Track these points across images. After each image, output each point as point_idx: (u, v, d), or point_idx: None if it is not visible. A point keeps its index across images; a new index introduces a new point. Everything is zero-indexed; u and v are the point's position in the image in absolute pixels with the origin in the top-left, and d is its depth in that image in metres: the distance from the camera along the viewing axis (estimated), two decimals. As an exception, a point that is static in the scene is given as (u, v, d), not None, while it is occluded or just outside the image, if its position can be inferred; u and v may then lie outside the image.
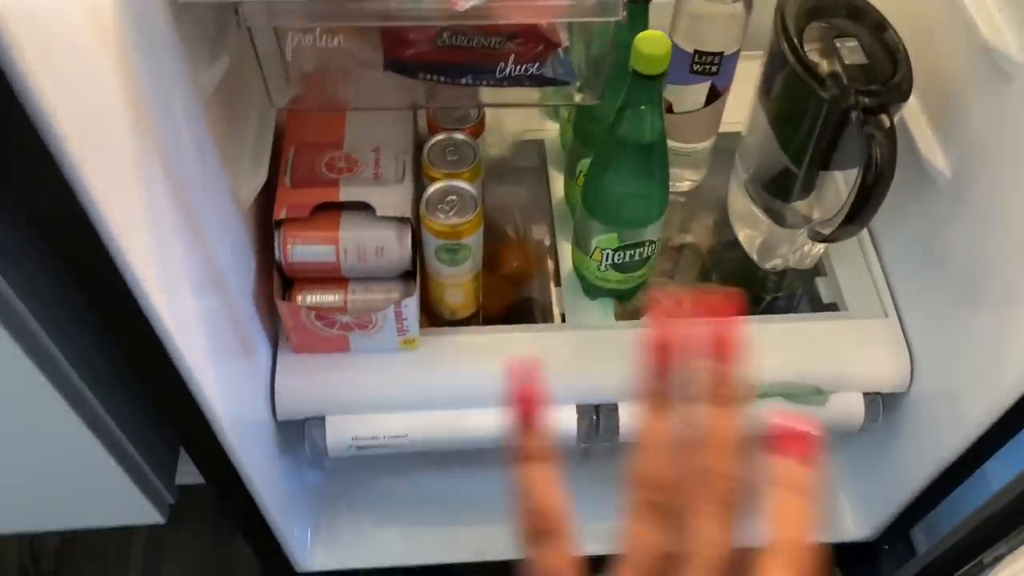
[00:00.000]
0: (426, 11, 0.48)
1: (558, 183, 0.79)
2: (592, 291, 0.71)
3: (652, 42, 0.53)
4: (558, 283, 0.75)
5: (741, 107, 0.71)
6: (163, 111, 0.47)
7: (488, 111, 0.81)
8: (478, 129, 0.68)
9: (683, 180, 0.79)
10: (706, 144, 0.76)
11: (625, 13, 0.49)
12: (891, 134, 0.57)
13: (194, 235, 0.51)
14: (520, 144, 0.83)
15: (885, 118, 0.57)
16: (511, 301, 0.84)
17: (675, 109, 0.72)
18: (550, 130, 0.83)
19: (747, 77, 0.69)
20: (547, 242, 0.83)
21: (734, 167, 0.75)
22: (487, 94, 0.60)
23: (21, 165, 0.37)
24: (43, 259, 0.67)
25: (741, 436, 0.30)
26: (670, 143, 0.74)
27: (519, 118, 0.83)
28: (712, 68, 0.67)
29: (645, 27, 0.58)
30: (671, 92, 0.71)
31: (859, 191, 0.58)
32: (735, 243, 0.78)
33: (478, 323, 0.74)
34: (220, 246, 0.57)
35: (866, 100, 0.58)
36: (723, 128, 0.77)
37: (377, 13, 0.48)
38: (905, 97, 0.59)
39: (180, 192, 0.49)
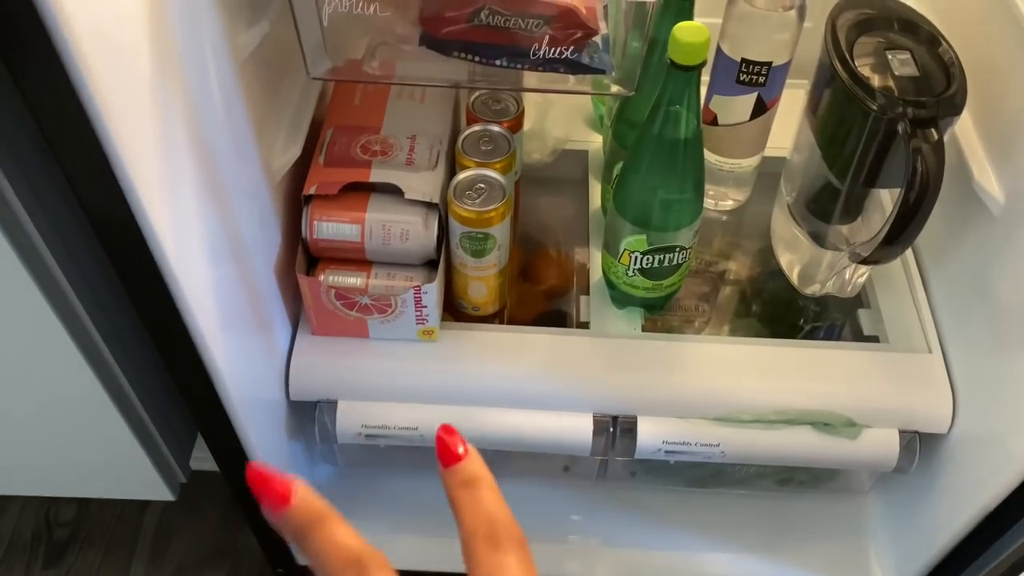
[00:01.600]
0: (462, -19, 0.48)
1: (597, 193, 0.78)
2: (620, 299, 0.69)
3: (690, 31, 0.51)
4: (586, 291, 0.73)
5: (789, 132, 0.70)
6: (195, 68, 0.47)
7: (533, 116, 0.81)
8: (517, 123, 0.68)
9: (726, 199, 0.77)
10: (751, 161, 0.74)
11: (661, 1, 0.48)
12: (939, 148, 0.55)
13: (217, 200, 0.52)
14: (563, 153, 0.83)
15: (933, 132, 0.55)
16: (540, 312, 0.82)
17: (720, 121, 0.70)
18: (594, 141, 0.82)
19: (794, 103, 0.68)
20: (582, 256, 0.82)
21: (779, 190, 0.73)
22: (524, 78, 0.59)
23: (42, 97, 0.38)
24: (71, 211, 0.69)
25: None
26: (714, 158, 0.73)
27: (564, 125, 0.82)
28: (760, 79, 0.66)
29: (689, 24, 0.57)
30: (716, 104, 0.70)
31: (901, 207, 0.56)
32: (777, 272, 0.75)
33: (502, 323, 0.72)
34: (245, 215, 0.57)
35: (915, 111, 0.55)
36: (771, 153, 0.75)
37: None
38: (958, 111, 0.56)
39: (206, 153, 0.50)
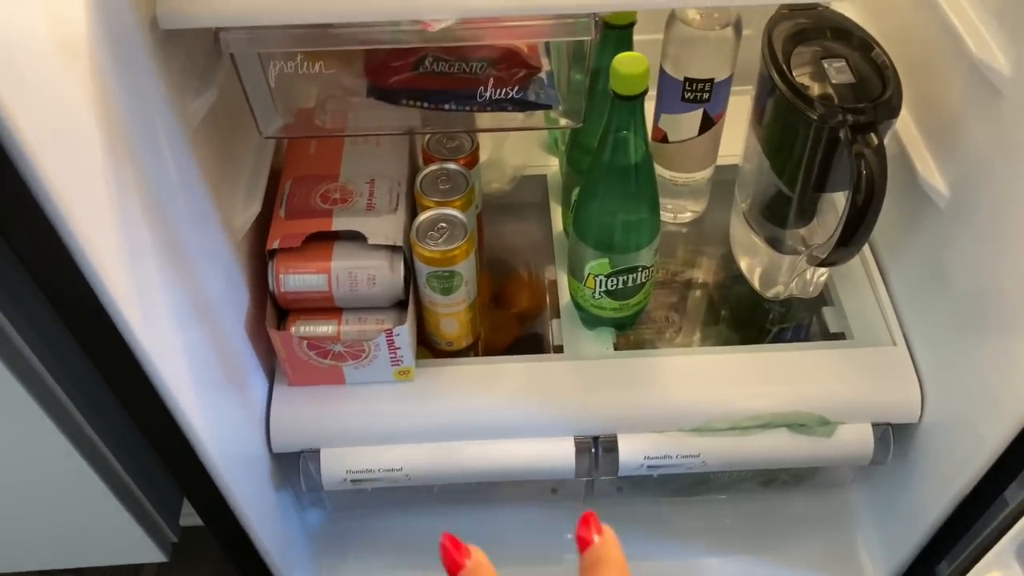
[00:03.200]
0: (402, 34, 0.49)
1: (559, 216, 0.80)
2: (590, 321, 0.70)
3: (629, 62, 0.53)
4: (556, 315, 0.74)
5: (739, 139, 0.71)
6: (145, 139, 0.48)
7: (489, 147, 0.82)
8: (472, 159, 0.69)
9: (684, 211, 0.79)
10: (704, 174, 0.75)
11: (598, 34, 0.49)
12: (881, 152, 0.56)
13: (179, 265, 0.52)
14: (522, 180, 0.84)
15: (873, 136, 0.56)
16: (516, 337, 0.83)
17: (670, 139, 0.72)
18: (552, 165, 0.84)
19: (743, 109, 0.69)
20: (550, 278, 0.83)
21: (734, 198, 0.75)
22: (476, 119, 0.60)
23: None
24: (35, 292, 0.69)
25: None
26: (668, 173, 0.74)
27: (521, 153, 0.83)
28: (703, 95, 0.67)
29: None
30: (665, 122, 0.71)
31: (850, 211, 0.57)
32: (741, 276, 0.77)
33: (476, 354, 0.73)
34: (209, 277, 0.58)
35: (854, 118, 0.57)
36: (723, 160, 0.77)
37: (354, 38, 0.49)
38: (895, 114, 0.58)
39: (163, 221, 0.50)
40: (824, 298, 0.75)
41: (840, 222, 0.59)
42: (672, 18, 0.65)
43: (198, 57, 0.55)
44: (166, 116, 0.51)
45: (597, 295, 0.66)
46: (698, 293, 0.81)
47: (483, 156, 0.80)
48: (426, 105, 0.56)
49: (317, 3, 0.47)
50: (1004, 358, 0.58)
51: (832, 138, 0.58)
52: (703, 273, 0.82)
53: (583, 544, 0.31)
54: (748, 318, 0.78)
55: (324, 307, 0.65)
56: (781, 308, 0.76)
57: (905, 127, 0.66)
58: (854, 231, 0.59)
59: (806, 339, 0.75)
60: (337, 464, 0.68)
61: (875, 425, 0.68)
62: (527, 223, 0.86)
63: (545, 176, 0.84)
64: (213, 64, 0.56)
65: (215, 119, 0.58)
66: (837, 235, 0.59)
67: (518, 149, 0.83)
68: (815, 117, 0.58)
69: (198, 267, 0.55)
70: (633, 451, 0.67)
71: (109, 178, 0.44)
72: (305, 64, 0.52)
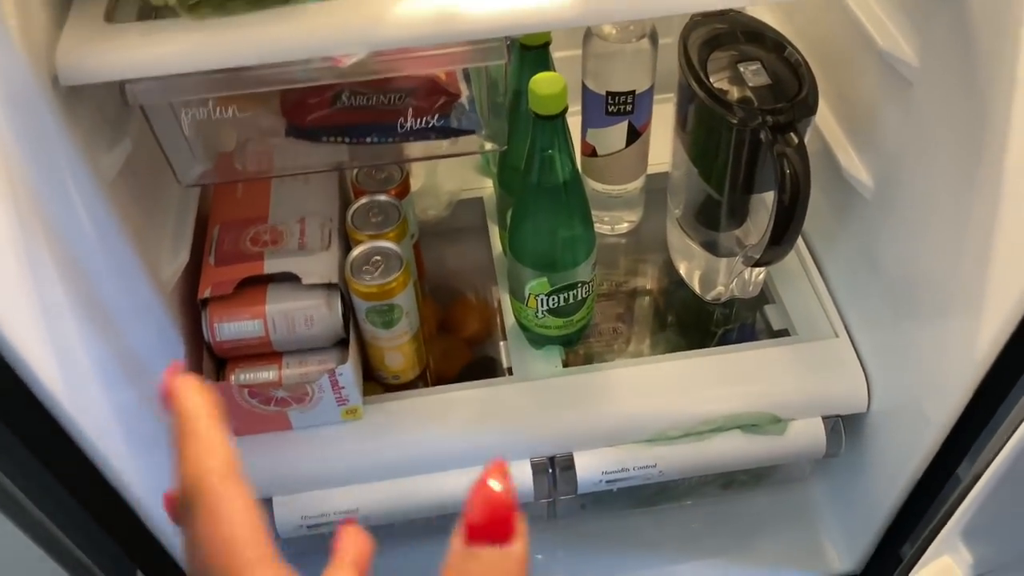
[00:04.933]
0: (314, 72, 0.49)
1: (497, 237, 0.79)
2: (536, 340, 0.70)
3: (546, 83, 0.53)
4: (503, 337, 0.74)
5: (667, 147, 0.72)
6: (54, 197, 0.47)
7: (422, 174, 0.82)
8: (403, 189, 0.68)
9: (621, 222, 0.79)
10: (636, 184, 0.76)
11: (511, 57, 0.49)
12: (802, 150, 0.57)
13: (102, 323, 0.50)
14: (458, 204, 0.83)
15: (793, 135, 0.57)
16: (468, 361, 0.82)
17: (599, 152, 0.72)
18: (487, 187, 0.83)
19: (668, 117, 0.70)
20: (498, 298, 0.83)
21: (667, 205, 0.75)
22: (404, 149, 0.60)
23: None
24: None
25: None
26: (601, 186, 0.75)
27: (455, 178, 0.83)
28: (626, 107, 0.68)
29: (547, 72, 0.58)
30: (592, 136, 0.71)
31: (778, 211, 0.58)
32: (683, 281, 0.77)
33: (426, 384, 0.72)
34: (139, 332, 0.56)
35: (773, 118, 0.58)
36: (654, 169, 0.77)
37: (265, 79, 0.48)
38: (812, 111, 0.59)
39: (81, 279, 0.49)
40: (765, 296, 0.76)
41: (769, 222, 0.59)
42: (589, 34, 0.66)
43: (108, 109, 0.54)
44: (77, 172, 0.50)
45: (540, 314, 0.66)
46: (643, 302, 0.81)
47: (416, 184, 0.80)
48: (348, 140, 0.55)
49: (221, 49, 0.46)
50: (940, 340, 0.59)
51: (754, 140, 0.59)
52: (646, 281, 0.82)
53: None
54: (693, 322, 0.78)
55: (263, 352, 0.63)
56: (724, 310, 0.77)
57: (826, 123, 0.67)
58: (784, 230, 0.59)
59: (752, 338, 0.76)
60: (291, 512, 0.66)
61: (825, 418, 0.68)
62: (467, 246, 0.85)
63: (481, 199, 0.84)
64: (124, 115, 0.55)
65: (133, 169, 0.56)
66: (768, 235, 0.59)
67: (452, 174, 0.83)
68: (735, 121, 0.59)
69: (125, 323, 0.54)
70: (590, 468, 0.66)
71: (15, 240, 0.42)
72: (218, 109, 0.51)
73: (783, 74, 0.61)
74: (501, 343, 0.76)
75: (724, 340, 0.76)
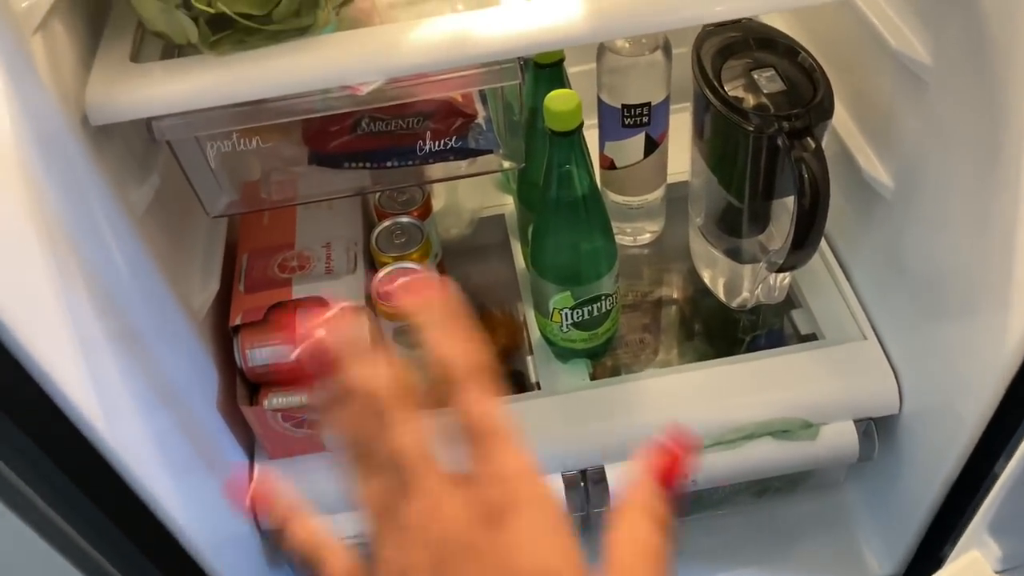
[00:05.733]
0: (333, 101, 0.50)
1: (520, 253, 0.80)
2: (563, 354, 0.70)
3: (560, 99, 0.54)
4: (530, 352, 0.74)
5: (686, 155, 0.72)
6: (87, 234, 0.48)
7: (444, 194, 0.83)
8: (425, 210, 0.69)
9: (643, 233, 0.79)
10: (657, 194, 0.76)
11: (524, 77, 0.50)
12: (819, 154, 0.57)
13: (138, 353, 0.52)
14: (480, 222, 0.84)
15: (810, 140, 0.57)
16: (498, 377, 0.83)
17: (617, 164, 0.72)
18: (508, 203, 0.84)
19: (686, 125, 0.70)
20: (524, 313, 0.83)
21: (689, 213, 0.75)
22: (424, 171, 0.61)
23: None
24: None
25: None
26: (622, 198, 0.75)
27: (475, 196, 0.84)
28: (643, 119, 0.68)
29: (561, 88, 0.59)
30: (611, 149, 0.72)
31: (799, 215, 0.58)
32: (708, 289, 0.77)
33: (455, 403, 0.73)
34: (172, 361, 0.57)
35: (789, 124, 0.58)
36: (674, 178, 0.77)
37: (286, 110, 0.50)
38: (828, 115, 0.59)
39: (116, 312, 0.50)
40: (792, 301, 0.76)
41: (790, 227, 0.59)
42: (602, 49, 0.67)
43: (135, 145, 0.55)
44: (108, 208, 0.51)
45: (565, 328, 0.66)
46: (669, 311, 0.81)
47: (438, 203, 0.81)
48: (369, 165, 0.56)
49: (242, 83, 0.48)
50: (968, 337, 0.59)
51: (771, 146, 0.59)
52: (671, 291, 0.82)
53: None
54: (720, 330, 0.78)
55: (296, 376, 0.64)
56: (751, 316, 0.77)
57: (844, 126, 0.67)
58: (805, 234, 0.59)
59: (780, 344, 0.75)
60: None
61: (857, 421, 0.68)
62: (491, 263, 0.86)
63: (503, 215, 0.84)
64: (152, 150, 0.57)
65: (162, 203, 0.58)
66: (790, 240, 0.59)
67: (472, 192, 0.84)
68: (751, 128, 0.59)
69: (159, 352, 0.55)
70: (623, 480, 0.66)
71: (52, 278, 0.43)
72: (242, 141, 0.52)
73: (797, 79, 0.61)
74: (528, 358, 0.76)
75: (752, 347, 0.76)
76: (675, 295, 0.83)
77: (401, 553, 0.29)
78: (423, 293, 0.31)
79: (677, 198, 0.78)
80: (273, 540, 0.70)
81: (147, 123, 0.49)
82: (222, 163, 0.54)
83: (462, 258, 0.84)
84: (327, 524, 0.36)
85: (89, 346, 0.47)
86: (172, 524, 0.53)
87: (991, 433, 0.59)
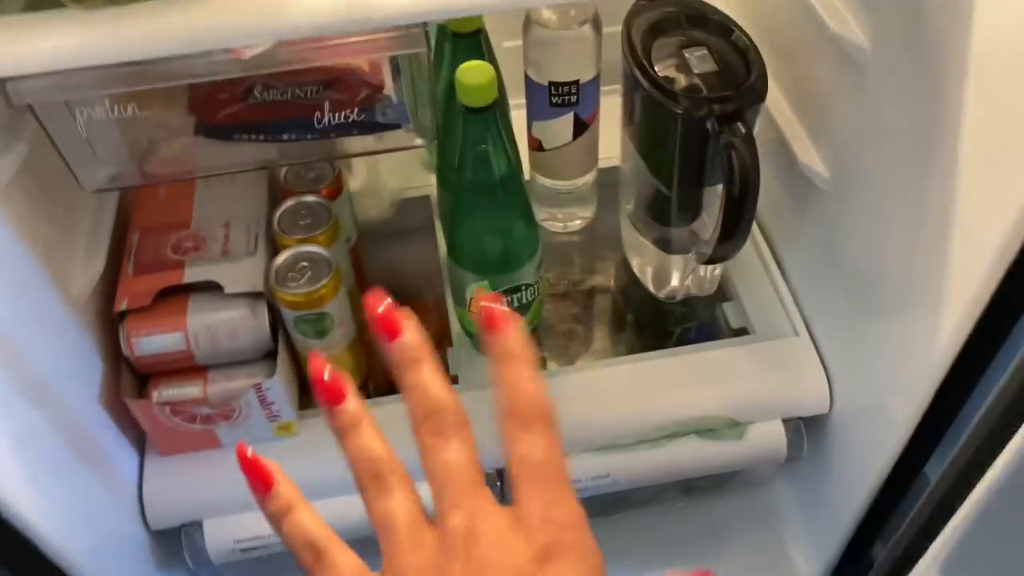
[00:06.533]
0: (217, 65, 0.45)
1: (443, 238, 0.76)
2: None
3: (471, 72, 0.49)
4: (450, 343, 0.70)
5: (615, 141, 0.68)
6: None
7: (364, 173, 0.78)
8: (336, 188, 0.64)
9: (574, 219, 0.76)
10: (587, 179, 0.72)
11: (430, 45, 0.45)
12: (750, 140, 0.54)
13: (-2, 343, 0.46)
14: (403, 203, 0.80)
15: (740, 125, 0.54)
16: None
17: (545, 146, 0.68)
18: (433, 184, 0.80)
19: (618, 108, 0.67)
20: (444, 303, 0.79)
21: (620, 199, 0.72)
22: (332, 146, 0.56)
23: None
24: None
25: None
26: (550, 182, 0.71)
27: (399, 176, 0.79)
28: (571, 98, 0.64)
29: (480, 61, 0.55)
30: (538, 129, 0.68)
31: (727, 204, 0.55)
32: (639, 279, 0.74)
33: (367, 396, 0.68)
34: (46, 350, 0.52)
35: (720, 107, 0.55)
36: (607, 163, 0.74)
37: (162, 74, 0.44)
38: (760, 98, 0.56)
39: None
40: (724, 293, 0.73)
41: (718, 218, 0.56)
42: (528, 21, 0.62)
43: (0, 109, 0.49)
44: (-40, 180, 0.46)
45: (483, 319, 0.62)
46: (599, 301, 0.78)
47: (357, 182, 0.76)
48: (262, 138, 0.51)
49: (112, 42, 0.42)
50: (902, 336, 0.56)
51: (701, 130, 0.56)
52: (602, 280, 0.79)
53: (491, 328, 0.32)
54: (651, 322, 0.75)
55: (187, 367, 0.59)
56: (682, 308, 0.74)
57: (781, 112, 0.64)
58: (735, 224, 0.56)
59: (712, 337, 0.73)
60: (223, 535, 0.62)
61: (786, 421, 0.65)
62: (413, 248, 0.82)
63: (428, 197, 0.80)
64: (18, 115, 0.51)
65: (35, 173, 0.52)
66: (718, 230, 0.56)
67: (395, 171, 0.79)
68: (680, 111, 0.55)
69: (25, 343, 0.49)
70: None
71: None
72: (116, 108, 0.47)
73: (731, 60, 0.58)
74: (448, 349, 0.72)
75: (682, 340, 0.73)
76: (606, 285, 0.79)
77: (433, 563, 0.30)
78: (502, 326, 0.32)
79: (609, 184, 0.75)
80: (164, 540, 0.65)
81: (0, 85, 0.44)
82: (96, 131, 0.49)
83: (382, 242, 0.79)
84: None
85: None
86: (32, 532, 0.48)
87: (921, 433, 0.57)
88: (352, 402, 0.33)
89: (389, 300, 0.32)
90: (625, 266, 0.77)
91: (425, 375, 0.32)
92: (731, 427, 0.64)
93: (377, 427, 0.33)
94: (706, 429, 0.64)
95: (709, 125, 0.55)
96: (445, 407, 0.32)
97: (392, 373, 0.32)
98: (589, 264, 0.80)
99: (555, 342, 0.75)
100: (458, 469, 0.31)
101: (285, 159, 0.59)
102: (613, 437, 0.63)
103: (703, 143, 0.57)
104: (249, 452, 0.34)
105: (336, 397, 0.34)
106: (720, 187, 0.61)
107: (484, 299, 0.32)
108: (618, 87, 0.65)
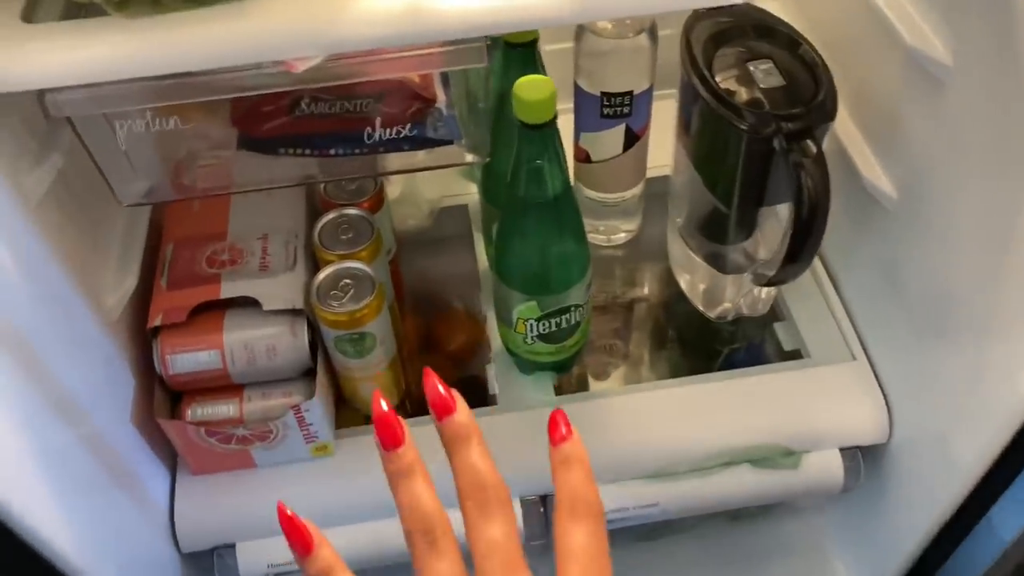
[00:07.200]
0: (266, 78, 0.42)
1: (483, 249, 0.73)
2: (526, 366, 0.64)
3: (532, 87, 0.47)
4: (489, 360, 0.68)
5: (669, 146, 0.65)
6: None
7: (402, 182, 0.75)
8: (377, 201, 0.62)
9: (618, 232, 0.73)
10: (634, 191, 0.69)
11: (491, 59, 0.43)
12: (820, 159, 0.51)
13: (25, 363, 0.44)
14: (441, 212, 0.77)
15: (811, 143, 0.51)
16: (452, 383, 0.76)
17: (593, 158, 0.66)
18: (472, 192, 0.77)
19: (670, 114, 0.64)
20: (486, 312, 0.77)
21: (669, 212, 0.69)
22: (377, 161, 0.54)
23: None
24: None
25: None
26: (596, 194, 0.68)
27: (437, 185, 0.77)
28: (623, 109, 0.62)
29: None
30: (586, 141, 0.65)
31: (795, 226, 0.52)
32: (685, 295, 0.71)
33: (405, 415, 0.66)
34: (77, 369, 0.50)
35: (788, 125, 0.52)
36: (654, 172, 0.71)
37: (208, 87, 0.42)
38: (830, 117, 0.53)
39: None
40: (776, 312, 0.70)
41: (784, 239, 0.53)
42: (581, 29, 0.59)
43: (34, 119, 0.47)
44: (-6, 193, 0.43)
45: (529, 340, 0.60)
46: (642, 317, 0.75)
47: (394, 192, 0.73)
48: (308, 152, 0.49)
49: (155, 53, 0.39)
50: (974, 367, 0.53)
51: (766, 148, 0.53)
52: (644, 295, 0.76)
53: (555, 441, 0.36)
54: (696, 340, 0.72)
55: (222, 385, 0.57)
56: (730, 327, 0.71)
57: (843, 125, 0.61)
58: (801, 247, 0.53)
59: (760, 359, 0.70)
60: (256, 558, 0.60)
61: (843, 450, 0.62)
62: (451, 257, 0.79)
63: (466, 206, 0.77)
64: (57, 124, 0.48)
65: (68, 185, 0.50)
66: (783, 252, 0.53)
67: (433, 180, 0.76)
68: (745, 127, 0.53)
69: (56, 359, 0.47)
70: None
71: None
72: (157, 121, 0.45)
73: (797, 74, 0.55)
74: (488, 366, 0.70)
75: (729, 361, 0.70)
76: (649, 300, 0.77)
77: None
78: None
79: (656, 193, 0.72)
80: (196, 564, 0.63)
81: (39, 96, 0.41)
82: (136, 145, 0.46)
83: (420, 251, 0.77)
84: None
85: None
86: (58, 556, 0.46)
87: (988, 475, 0.54)
88: (409, 450, 0.35)
89: (442, 383, 0.36)
90: (669, 281, 0.74)
91: (474, 453, 0.34)
92: (786, 456, 0.61)
93: (429, 479, 0.35)
94: (760, 458, 0.61)
95: (776, 143, 0.52)
96: (491, 484, 0.34)
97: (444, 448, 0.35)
98: (631, 277, 0.77)
99: (595, 358, 0.73)
100: (499, 546, 0.33)
101: (326, 175, 0.56)
102: (662, 464, 0.61)
103: (767, 162, 0.54)
104: (288, 511, 0.36)
105: (395, 441, 0.35)
106: (780, 207, 0.59)
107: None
108: (669, 92, 0.62)
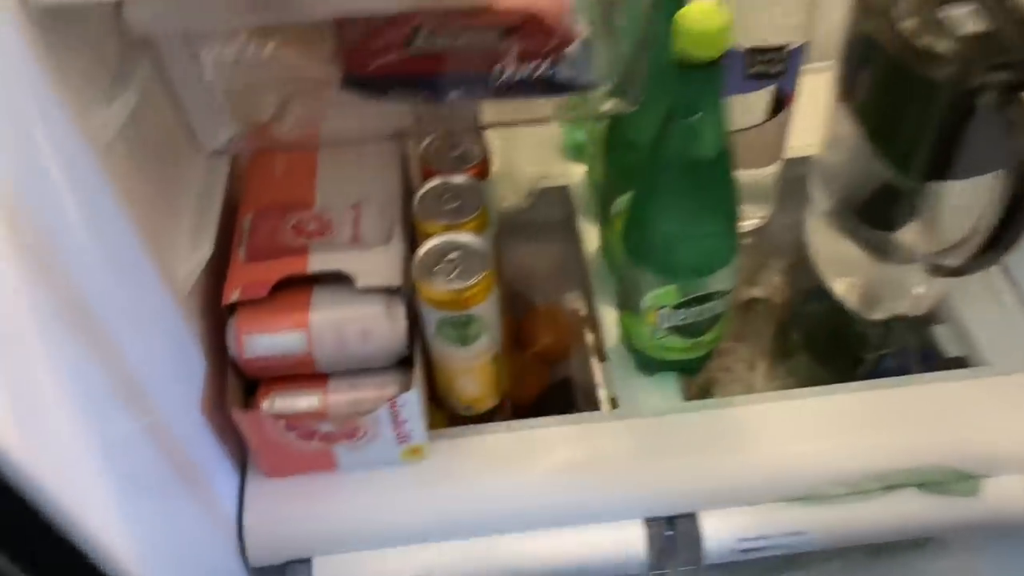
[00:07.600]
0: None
1: (591, 235, 0.65)
2: (648, 365, 0.55)
3: (702, 14, 0.38)
4: (602, 358, 0.59)
5: (810, 127, 0.56)
6: (25, 170, 0.33)
7: (498, 155, 0.67)
8: (483, 168, 0.54)
9: (749, 217, 0.64)
10: (771, 169, 0.61)
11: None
12: (1044, 117, 0.42)
13: (89, 339, 0.37)
14: (539, 193, 0.69)
15: (1031, 98, 0.42)
16: (545, 386, 0.68)
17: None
18: (574, 174, 0.69)
19: (814, 93, 0.55)
20: (584, 309, 0.68)
21: (810, 199, 0.60)
22: (489, 112, 0.46)
23: None
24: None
25: None
26: (727, 171, 0.59)
27: (536, 161, 0.69)
28: (775, 69, 0.53)
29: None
30: (724, 105, 0.56)
31: (1009, 201, 0.42)
32: (819, 291, 0.62)
33: (505, 417, 0.58)
34: (144, 348, 0.42)
35: (1001, 76, 0.42)
36: (791, 153, 0.62)
37: (313, 4, 0.34)
38: (1056, 67, 0.43)
39: (61, 281, 0.35)
40: (933, 313, 0.60)
41: (989, 217, 0.44)
42: (730, -30, 0.51)
43: (106, 47, 0.40)
44: (60, 132, 0.36)
45: (660, 332, 0.51)
46: (771, 316, 0.66)
47: (494, 165, 0.65)
48: (426, 94, 0.41)
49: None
50: None
51: (968, 106, 0.44)
52: (775, 292, 0.67)
53: None
54: (837, 344, 0.63)
55: (305, 373, 0.49)
56: (878, 330, 0.61)
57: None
58: (1007, 229, 0.44)
59: (910, 368, 0.60)
60: (335, 576, 0.52)
61: (1030, 476, 0.52)
62: (548, 244, 0.71)
63: (566, 187, 0.69)
64: (131, 56, 0.41)
65: (140, 132, 0.43)
66: (988, 234, 0.44)
67: (533, 155, 0.68)
68: (942, 79, 0.43)
69: (122, 337, 0.40)
70: (720, 532, 0.51)
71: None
72: (251, 47, 0.37)
73: (1002, 20, 0.46)
74: (594, 366, 0.61)
75: (878, 369, 0.60)
76: (777, 299, 0.67)
77: None
78: None
79: (790, 179, 0.63)
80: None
81: (116, 9, 0.34)
82: (224, 79, 0.39)
83: (516, 236, 0.68)
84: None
85: (17, 336, 0.32)
86: (111, 563, 0.38)
87: None
88: None
89: None
90: (804, 276, 0.65)
91: None
92: (961, 480, 0.51)
93: None
94: (930, 482, 0.51)
95: (985, 99, 0.42)
96: None
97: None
98: (760, 271, 0.68)
99: (717, 362, 0.64)
100: None
101: (427, 127, 0.49)
102: (810, 486, 0.51)
103: (964, 124, 0.45)
104: None
105: None
106: (965, 183, 0.49)
107: None
108: (814, 66, 0.54)
